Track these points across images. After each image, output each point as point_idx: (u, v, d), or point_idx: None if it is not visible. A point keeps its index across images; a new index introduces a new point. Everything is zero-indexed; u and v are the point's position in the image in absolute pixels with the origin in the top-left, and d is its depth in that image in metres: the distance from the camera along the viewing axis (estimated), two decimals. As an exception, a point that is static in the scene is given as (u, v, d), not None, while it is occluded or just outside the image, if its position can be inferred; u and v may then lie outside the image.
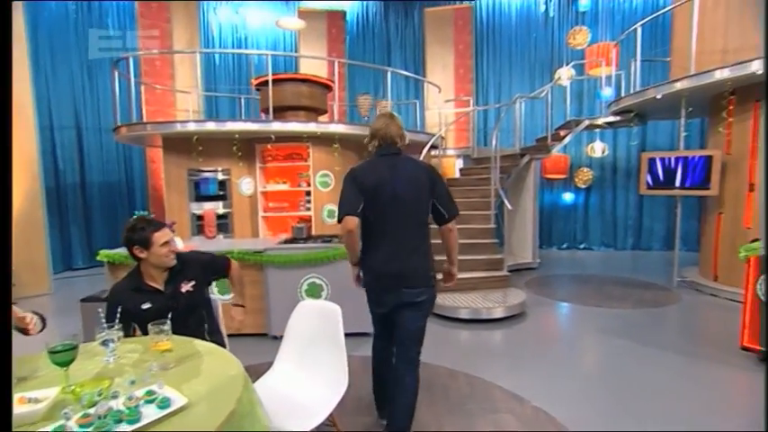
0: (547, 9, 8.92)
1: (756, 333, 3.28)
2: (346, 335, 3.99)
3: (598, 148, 8.26)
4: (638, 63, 6.00)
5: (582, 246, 9.05)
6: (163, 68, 7.68)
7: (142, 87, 6.91)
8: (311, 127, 5.72)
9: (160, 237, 2.01)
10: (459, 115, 8.21)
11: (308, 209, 6.15)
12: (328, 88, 6.57)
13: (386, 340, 2.53)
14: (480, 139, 8.80)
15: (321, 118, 6.79)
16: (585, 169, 8.68)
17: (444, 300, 4.70)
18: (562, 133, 6.92)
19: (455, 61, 8.90)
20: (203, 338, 2.19)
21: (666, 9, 5.90)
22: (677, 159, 5.46)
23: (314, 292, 3.90)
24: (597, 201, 9.00)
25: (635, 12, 8.42)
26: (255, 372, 3.02)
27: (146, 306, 2.00)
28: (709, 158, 5.18)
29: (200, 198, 6.14)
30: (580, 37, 8.16)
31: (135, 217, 2.15)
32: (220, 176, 6.16)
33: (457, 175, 7.61)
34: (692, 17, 4.99)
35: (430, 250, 2.34)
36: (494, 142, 5.56)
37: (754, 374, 3.19)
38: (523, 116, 7.87)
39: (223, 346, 2.35)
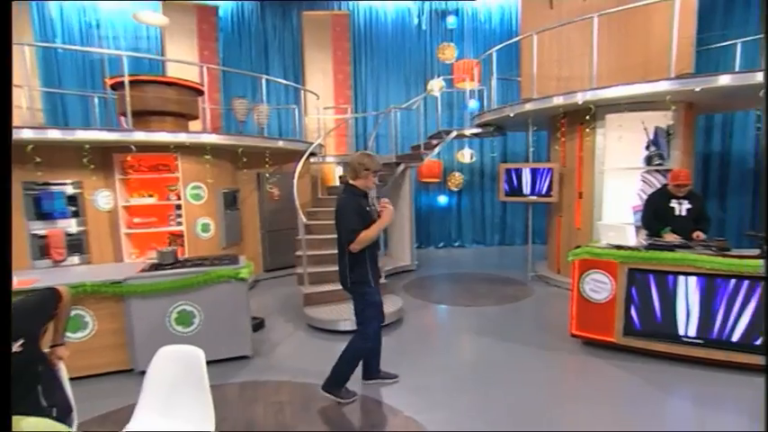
0: (420, 22, 9.52)
1: (581, 323, 4.01)
2: (223, 360, 3.88)
3: (467, 155, 9.13)
4: (495, 83, 6.80)
5: (456, 244, 9.94)
6: (-17, 56, 6.40)
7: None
8: (181, 137, 5.35)
9: None
10: (339, 122, 8.37)
11: (180, 223, 5.74)
12: (199, 92, 6.19)
13: None
14: (360, 145, 9.10)
15: (192, 124, 6.38)
16: (457, 174, 9.52)
17: (322, 313, 4.81)
18: (434, 142, 7.50)
19: (334, 67, 9.04)
20: (38, 402, 1.94)
21: (514, 39, 6.75)
22: (528, 170, 6.33)
23: (185, 320, 3.69)
24: (468, 202, 9.95)
25: (494, 33, 9.45)
26: (116, 421, 2.80)
27: None
28: (551, 170, 6.12)
29: (44, 216, 5.32)
30: (448, 52, 8.90)
31: None
32: (70, 190, 5.42)
33: (337, 182, 7.76)
34: (532, 50, 5.81)
35: (351, 262, 3.04)
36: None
37: (582, 357, 3.91)
38: (399, 125, 8.33)
39: (66, 403, 2.11)
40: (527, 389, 3.36)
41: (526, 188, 6.37)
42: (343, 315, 4.74)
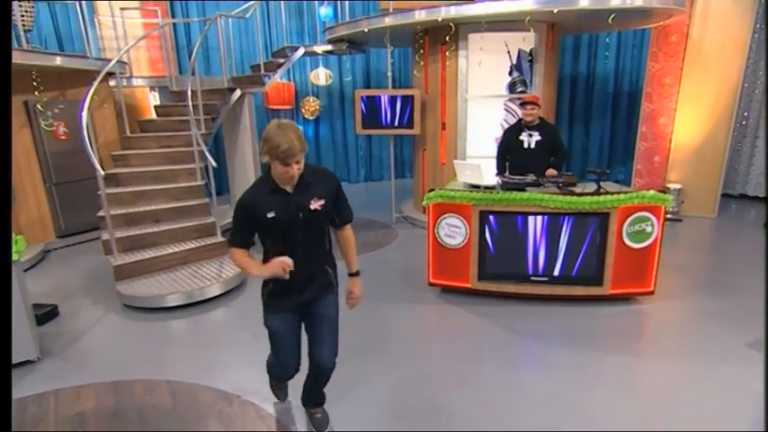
0: None
1: (438, 270, 4.47)
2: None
3: (322, 76, 8.96)
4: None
5: (317, 182, 9.99)
6: None
7: None
8: None
9: None
10: (148, 29, 7.41)
11: None
12: None
13: None
14: (183, 61, 8.29)
15: None
16: (312, 98, 9.36)
17: (141, 288, 4.57)
18: (280, 61, 7.15)
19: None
20: None
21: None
22: (387, 98, 6.48)
23: None
24: (327, 132, 9.95)
25: None
26: None
27: None
28: (411, 98, 6.35)
29: None
30: (291, -61, 8.30)
31: None
32: None
33: (153, 115, 7.05)
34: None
35: None
36: (188, 84, 5.31)
37: (440, 306, 4.40)
38: (234, 36, 7.76)
39: None
40: (384, 350, 3.69)
41: (386, 118, 6.56)
42: (170, 288, 4.55)
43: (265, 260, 2.36)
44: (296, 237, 2.29)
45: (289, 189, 2.24)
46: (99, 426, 2.93)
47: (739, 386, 3.09)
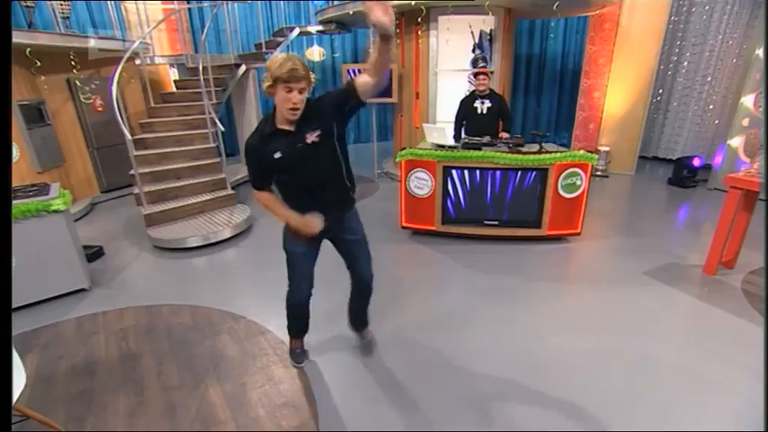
0: None
1: (409, 216, 4.53)
2: (55, 298, 3.57)
3: (316, 53, 8.63)
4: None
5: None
6: None
7: None
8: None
9: None
10: (167, 13, 7.05)
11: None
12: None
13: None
14: (197, 43, 7.92)
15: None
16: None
17: (167, 232, 4.58)
18: (279, 40, 6.88)
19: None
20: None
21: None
22: (370, 72, 6.31)
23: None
24: (322, 103, 9.70)
25: None
26: None
27: None
28: (390, 71, 6.19)
29: None
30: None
31: None
32: None
33: (173, 88, 6.83)
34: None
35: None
36: (200, 61, 5.12)
37: (410, 245, 4.48)
38: (240, 19, 7.44)
39: None
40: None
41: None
42: (190, 232, 4.58)
43: (285, 198, 2.12)
44: (304, 173, 1.99)
45: (291, 128, 1.92)
46: (137, 339, 3.04)
47: (635, 302, 3.26)
